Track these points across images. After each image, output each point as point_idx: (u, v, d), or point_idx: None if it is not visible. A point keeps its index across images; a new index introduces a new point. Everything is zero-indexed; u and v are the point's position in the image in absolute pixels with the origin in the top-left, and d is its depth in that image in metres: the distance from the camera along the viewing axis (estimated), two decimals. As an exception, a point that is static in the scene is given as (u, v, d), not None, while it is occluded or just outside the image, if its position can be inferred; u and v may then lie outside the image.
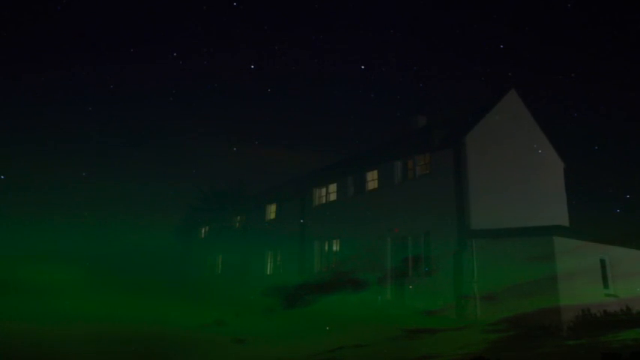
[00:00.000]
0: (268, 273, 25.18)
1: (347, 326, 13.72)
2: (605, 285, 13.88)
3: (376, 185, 19.00)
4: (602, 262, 14.04)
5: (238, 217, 29.86)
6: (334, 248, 20.74)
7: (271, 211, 26.27)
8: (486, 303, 13.75)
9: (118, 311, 17.11)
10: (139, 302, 20.42)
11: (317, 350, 10.84)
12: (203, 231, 35.27)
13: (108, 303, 19.57)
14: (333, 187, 21.55)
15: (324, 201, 22.03)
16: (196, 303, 19.80)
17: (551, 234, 12.78)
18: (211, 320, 14.53)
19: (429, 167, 16.72)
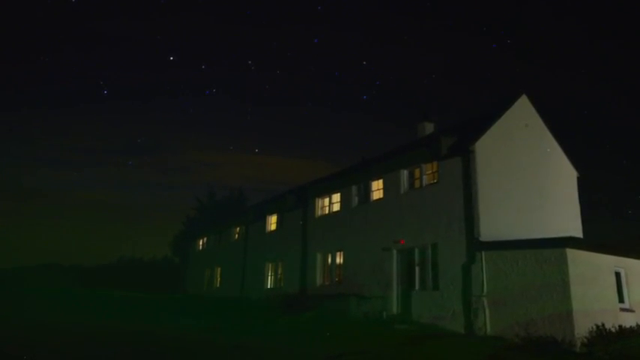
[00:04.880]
0: (269, 287, 24.56)
1: (349, 334, 13.17)
2: (621, 299, 13.37)
3: (381, 195, 18.55)
4: (617, 275, 13.56)
5: (238, 228, 29.33)
6: (337, 260, 20.20)
7: (272, 221, 25.79)
8: (496, 316, 13.22)
9: (113, 319, 16.74)
10: (135, 311, 19.98)
11: (318, 357, 10.35)
12: (201, 242, 34.73)
13: (103, 312, 19.18)
14: (336, 197, 21.10)
15: (327, 211, 21.57)
16: (194, 314, 19.22)
17: (564, 246, 12.29)
18: (209, 326, 14.06)
19: (437, 176, 16.31)
